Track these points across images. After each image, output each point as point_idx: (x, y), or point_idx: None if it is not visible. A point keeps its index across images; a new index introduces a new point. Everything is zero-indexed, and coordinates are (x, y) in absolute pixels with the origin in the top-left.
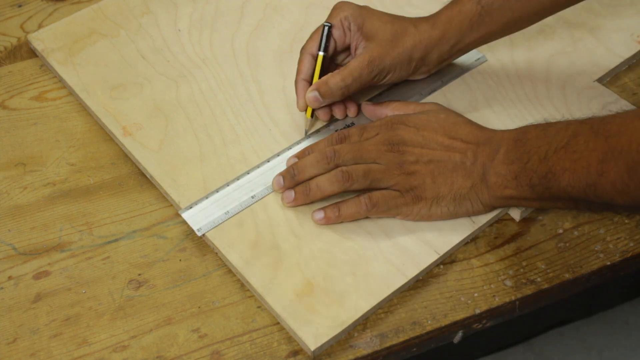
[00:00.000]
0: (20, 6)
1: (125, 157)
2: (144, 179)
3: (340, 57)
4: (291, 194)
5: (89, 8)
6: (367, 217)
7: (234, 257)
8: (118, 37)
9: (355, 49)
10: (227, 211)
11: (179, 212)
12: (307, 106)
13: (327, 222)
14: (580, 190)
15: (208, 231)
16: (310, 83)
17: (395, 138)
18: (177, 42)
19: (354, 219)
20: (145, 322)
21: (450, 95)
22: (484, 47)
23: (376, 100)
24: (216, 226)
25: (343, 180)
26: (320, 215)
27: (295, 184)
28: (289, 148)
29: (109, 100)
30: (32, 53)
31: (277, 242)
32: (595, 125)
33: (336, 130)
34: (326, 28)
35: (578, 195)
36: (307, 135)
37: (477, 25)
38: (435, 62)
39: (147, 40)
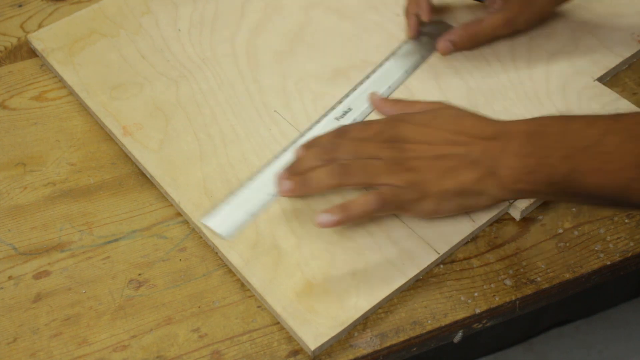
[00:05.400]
0: (20, 6)
1: (125, 157)
2: (144, 179)
3: None
4: (288, 183)
5: (89, 8)
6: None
7: (234, 257)
8: (118, 37)
9: (494, 2)
10: (253, 213)
11: (202, 221)
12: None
13: (334, 224)
14: (608, 192)
15: (234, 232)
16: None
17: (397, 135)
18: (177, 42)
19: (363, 218)
20: (146, 322)
21: (450, 95)
22: (485, 47)
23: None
24: (242, 227)
25: (341, 173)
26: (325, 218)
27: (294, 174)
28: (295, 143)
29: (109, 100)
30: (32, 53)
31: (277, 242)
32: (628, 123)
33: (336, 119)
34: None
35: (604, 196)
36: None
37: None
38: (566, 2)
39: (147, 40)
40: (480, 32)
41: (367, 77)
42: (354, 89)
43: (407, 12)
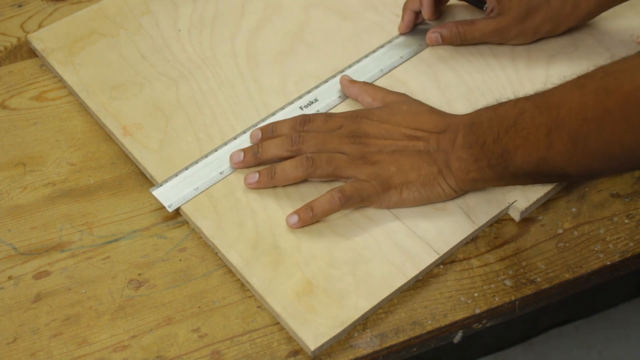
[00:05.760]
0: (20, 6)
1: (125, 157)
2: (144, 179)
3: None
4: (255, 175)
5: (89, 8)
6: (344, 211)
7: (234, 257)
8: (118, 37)
9: (491, 10)
10: (197, 187)
11: (150, 190)
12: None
13: (303, 224)
14: (533, 165)
15: (178, 206)
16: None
17: (359, 131)
18: (177, 42)
19: (329, 214)
20: (146, 322)
21: (450, 95)
22: (485, 49)
23: None
24: (187, 201)
25: (307, 165)
26: (294, 219)
27: (257, 161)
28: (255, 126)
29: (109, 100)
30: (32, 53)
31: (277, 242)
32: (538, 100)
33: (300, 108)
34: None
35: (532, 170)
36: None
37: None
38: (561, 31)
39: (147, 40)
40: (469, 33)
41: (349, 66)
42: (326, 81)
43: (406, 6)
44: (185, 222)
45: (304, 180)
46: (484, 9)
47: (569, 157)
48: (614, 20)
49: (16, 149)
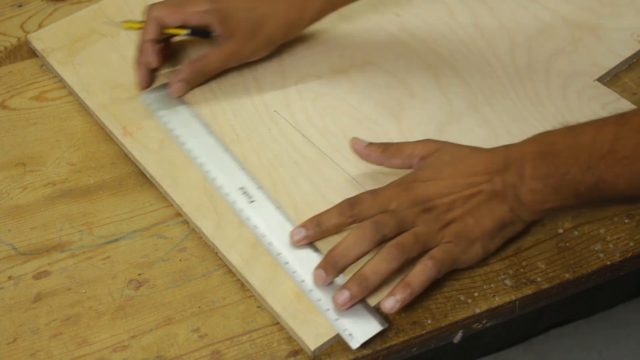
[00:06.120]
0: (20, 6)
1: (125, 157)
2: (144, 179)
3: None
4: (345, 293)
5: (89, 8)
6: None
7: (234, 257)
8: (118, 37)
9: (219, 37)
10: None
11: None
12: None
13: (402, 304)
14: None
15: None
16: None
17: (419, 197)
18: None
19: (426, 286)
20: (145, 322)
21: (451, 95)
22: (486, 49)
23: None
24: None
25: (399, 253)
26: (391, 303)
27: (340, 271)
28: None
29: (109, 100)
30: (32, 53)
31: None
32: (636, 125)
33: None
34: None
35: (637, 196)
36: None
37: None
38: (297, 34)
39: None
40: (206, 67)
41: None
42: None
43: (137, 63)
44: (185, 222)
45: (302, 182)
46: (213, 37)
47: None
48: (614, 19)
49: (16, 149)
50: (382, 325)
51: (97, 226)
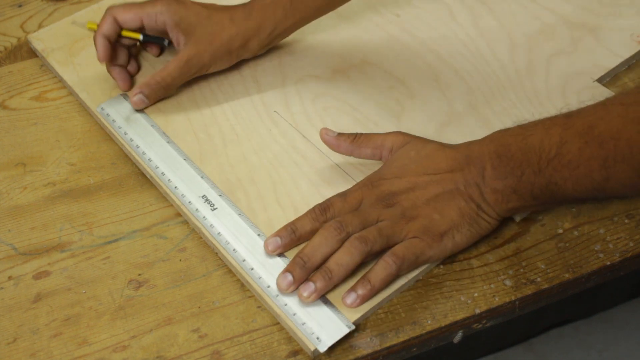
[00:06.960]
0: (20, 6)
1: (125, 157)
2: (144, 179)
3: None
4: (310, 286)
5: (89, 8)
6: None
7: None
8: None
9: (177, 44)
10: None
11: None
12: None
13: (363, 300)
14: (587, 193)
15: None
16: (110, 42)
17: (384, 193)
18: None
19: (388, 282)
20: (145, 322)
21: (450, 95)
22: (485, 49)
23: None
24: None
25: (362, 245)
26: (352, 298)
27: (308, 272)
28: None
29: (108, 100)
30: (32, 53)
31: None
32: (580, 129)
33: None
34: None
35: (586, 197)
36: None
37: (290, 12)
38: (256, 48)
39: None
40: (166, 78)
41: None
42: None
43: (109, 70)
44: (185, 222)
45: (302, 182)
46: (166, 44)
47: (632, 184)
48: (614, 20)
49: (16, 149)
50: (349, 327)
51: (97, 226)
